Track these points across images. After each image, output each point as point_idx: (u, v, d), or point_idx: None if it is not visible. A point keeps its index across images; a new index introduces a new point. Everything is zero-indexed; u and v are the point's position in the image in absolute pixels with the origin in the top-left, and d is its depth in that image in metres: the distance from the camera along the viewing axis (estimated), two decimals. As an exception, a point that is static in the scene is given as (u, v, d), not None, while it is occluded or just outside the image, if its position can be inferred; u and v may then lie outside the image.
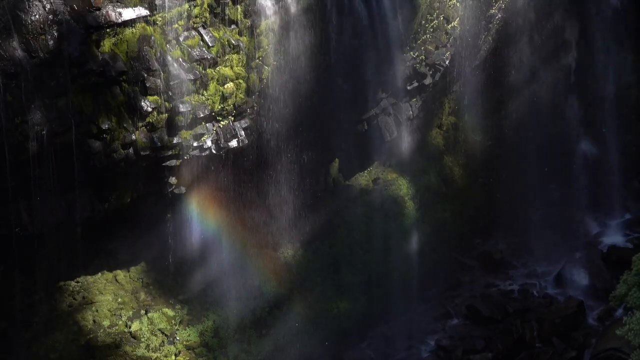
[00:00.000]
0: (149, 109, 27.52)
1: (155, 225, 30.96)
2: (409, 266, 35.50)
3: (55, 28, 25.40)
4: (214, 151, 29.61)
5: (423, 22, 34.65)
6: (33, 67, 25.08)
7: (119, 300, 30.76)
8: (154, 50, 27.36)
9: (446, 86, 37.54)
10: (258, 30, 29.60)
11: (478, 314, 35.13)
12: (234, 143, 29.97)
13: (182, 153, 28.91)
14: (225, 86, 29.25)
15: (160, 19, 27.49)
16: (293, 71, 30.64)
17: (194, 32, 28.53)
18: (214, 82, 28.98)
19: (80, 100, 26.29)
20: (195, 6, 28.26)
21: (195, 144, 29.05)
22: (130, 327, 30.43)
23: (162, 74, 27.51)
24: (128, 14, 26.76)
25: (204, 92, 28.80)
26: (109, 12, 26.34)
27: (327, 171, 35.37)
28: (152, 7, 27.21)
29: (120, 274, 31.13)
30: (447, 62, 35.58)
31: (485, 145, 39.70)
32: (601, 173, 40.27)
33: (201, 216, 31.62)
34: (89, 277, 30.56)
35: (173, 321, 31.14)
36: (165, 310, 31.21)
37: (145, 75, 27.19)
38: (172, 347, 30.71)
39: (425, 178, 37.79)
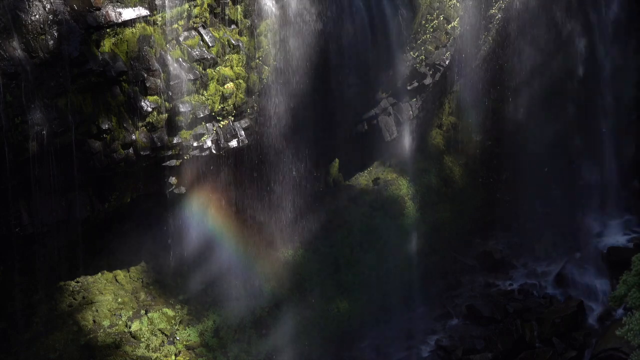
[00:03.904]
0: (149, 109, 27.53)
1: (156, 225, 30.97)
2: (409, 266, 35.51)
3: (55, 28, 25.41)
4: (214, 151, 29.62)
5: (423, 22, 34.65)
6: (33, 67, 25.09)
7: (119, 300, 30.77)
8: (154, 50, 27.37)
9: (446, 86, 37.56)
10: (258, 30, 29.61)
11: (478, 314, 35.13)
12: (234, 143, 29.98)
13: (182, 153, 28.92)
14: (225, 86, 29.26)
15: (160, 19, 27.49)
16: (293, 71, 30.64)
17: (194, 32, 28.54)
18: (214, 82, 28.99)
19: (80, 100, 26.30)
20: (195, 6, 28.26)
21: (195, 144, 29.06)
22: (130, 327, 30.44)
23: (162, 74, 27.52)
24: (128, 14, 26.77)
25: (204, 92, 28.81)
26: (109, 12, 26.35)
27: (327, 171, 35.38)
28: (152, 7, 27.22)
29: (120, 274, 31.15)
30: (447, 62, 35.58)
31: (485, 145, 39.72)
32: (601, 173, 40.26)
33: (201, 216, 31.64)
34: (89, 277, 30.58)
35: (173, 321, 31.15)
36: (165, 310, 31.22)
37: (145, 75, 27.20)
38: (172, 347, 30.72)
39: (425, 178, 37.81)
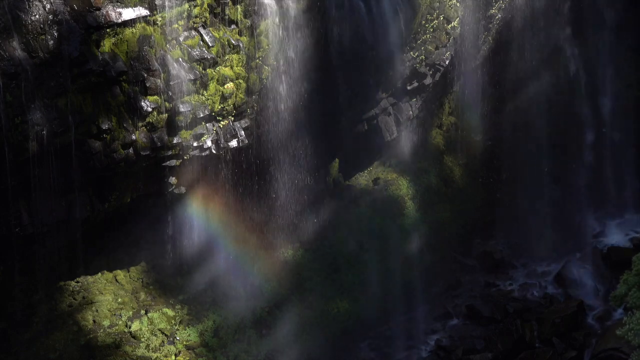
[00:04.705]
0: (149, 109, 27.53)
1: (155, 225, 30.96)
2: (409, 266, 35.49)
3: (55, 28, 25.41)
4: (214, 151, 29.61)
5: (423, 22, 34.65)
6: (33, 67, 25.08)
7: (119, 300, 30.77)
8: (154, 50, 27.37)
9: (446, 86, 37.55)
10: (258, 30, 29.60)
11: (478, 314, 35.12)
12: (234, 143, 29.98)
13: (182, 153, 28.92)
14: (225, 86, 29.26)
15: (160, 19, 27.49)
16: (293, 71, 30.64)
17: (194, 32, 28.54)
18: (214, 82, 28.99)
19: (80, 100, 26.30)
20: (195, 6, 28.26)
21: (195, 144, 29.05)
22: (130, 327, 30.44)
23: (162, 74, 27.52)
24: (128, 14, 26.77)
25: (204, 92, 28.81)
26: (109, 12, 26.35)
27: (327, 171, 35.37)
28: (152, 7, 27.22)
29: (120, 274, 31.15)
30: (447, 62, 35.57)
31: (485, 145, 39.71)
32: (601, 173, 40.26)
33: (201, 216, 31.63)
34: (89, 277, 30.57)
35: (173, 321, 31.14)
36: (165, 310, 31.22)
37: (145, 75, 27.20)
38: (172, 347, 30.72)
39: (425, 178, 37.80)
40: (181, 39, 28.24)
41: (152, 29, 27.35)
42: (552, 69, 40.22)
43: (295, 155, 32.33)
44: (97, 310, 30.27)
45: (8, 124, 25.00)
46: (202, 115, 28.80)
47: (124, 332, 30.30)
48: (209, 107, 28.97)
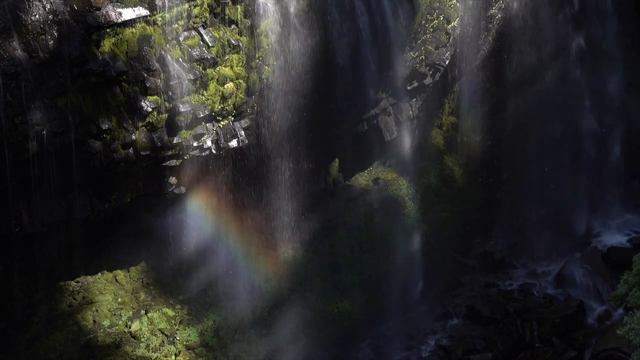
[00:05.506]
0: (149, 109, 27.53)
1: (156, 225, 30.96)
2: (408, 266, 35.49)
3: (55, 28, 25.41)
4: (214, 151, 29.62)
5: (423, 22, 34.65)
6: (33, 67, 25.08)
7: (119, 300, 30.77)
8: (154, 50, 27.37)
9: (446, 86, 37.54)
10: (258, 30, 29.60)
11: (478, 314, 35.12)
12: (234, 143, 29.98)
13: (182, 153, 28.92)
14: (225, 86, 29.26)
15: (160, 19, 27.49)
16: (293, 71, 30.64)
17: (194, 32, 28.54)
18: (214, 82, 28.99)
19: (80, 100, 26.30)
20: (195, 6, 28.26)
21: (195, 144, 29.06)
22: (130, 327, 30.44)
23: (162, 74, 27.52)
24: (128, 14, 26.77)
25: (204, 92, 28.81)
26: (109, 12, 26.35)
27: (327, 171, 35.37)
28: (152, 7, 27.22)
29: (120, 274, 31.15)
30: (447, 62, 35.57)
31: (485, 145, 39.70)
32: (601, 173, 40.26)
33: (201, 216, 31.63)
34: (89, 277, 30.57)
35: (173, 321, 31.14)
36: (165, 310, 31.21)
37: (145, 75, 27.19)
38: (172, 347, 30.71)
39: (425, 178, 37.80)
40: (181, 39, 28.24)
41: (152, 29, 27.35)
42: (552, 68, 40.22)
43: (295, 155, 32.32)
44: (97, 310, 30.27)
45: (8, 124, 25.01)
46: (202, 115, 28.81)
47: (124, 332, 30.30)
48: (209, 107, 28.97)
